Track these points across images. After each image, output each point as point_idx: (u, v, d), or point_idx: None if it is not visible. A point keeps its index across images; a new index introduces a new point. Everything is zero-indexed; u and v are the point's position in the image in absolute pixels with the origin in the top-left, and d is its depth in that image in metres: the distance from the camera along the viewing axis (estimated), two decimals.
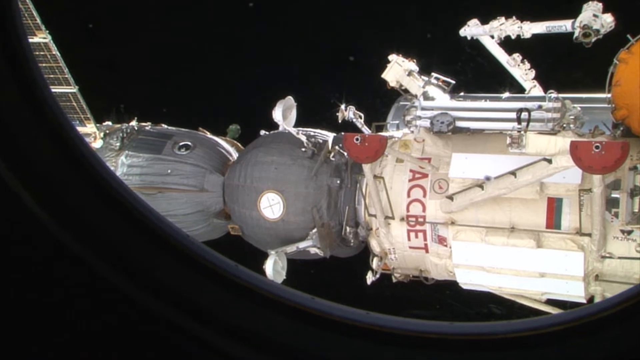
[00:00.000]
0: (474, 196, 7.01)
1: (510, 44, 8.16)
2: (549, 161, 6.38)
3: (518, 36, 7.95)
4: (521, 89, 8.22)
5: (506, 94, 8.01)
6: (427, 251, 7.70)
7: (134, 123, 10.14)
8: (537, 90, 8.13)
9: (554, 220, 6.85)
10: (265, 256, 8.15)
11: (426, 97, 7.99)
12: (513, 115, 6.94)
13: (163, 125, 10.42)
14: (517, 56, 8.24)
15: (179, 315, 1.48)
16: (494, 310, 8.31)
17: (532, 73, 8.22)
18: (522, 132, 6.53)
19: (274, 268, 7.89)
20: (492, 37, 8.16)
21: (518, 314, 7.63)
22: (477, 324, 1.48)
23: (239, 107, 13.52)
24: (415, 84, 8.05)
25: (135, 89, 14.09)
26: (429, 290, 8.25)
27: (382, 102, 9.48)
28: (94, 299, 1.47)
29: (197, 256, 1.63)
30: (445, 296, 8.34)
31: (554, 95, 7.01)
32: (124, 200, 1.60)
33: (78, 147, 1.57)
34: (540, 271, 6.96)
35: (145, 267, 1.56)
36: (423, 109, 7.70)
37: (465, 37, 8.36)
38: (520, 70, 8.23)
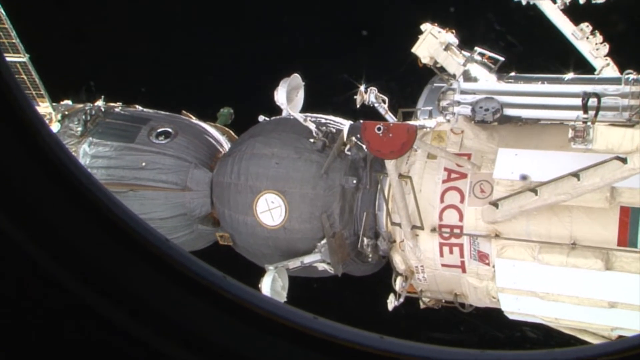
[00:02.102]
0: (525, 203, 6.98)
1: (577, 11, 8.09)
2: (624, 160, 6.32)
3: (588, 0, 7.88)
4: (590, 69, 8.16)
5: (569, 75, 7.94)
6: (464, 270, 7.70)
7: (100, 103, 10.24)
8: (611, 71, 8.06)
9: (628, 235, 6.79)
10: (262, 272, 8.22)
11: (467, 77, 7.98)
12: (578, 101, 6.89)
13: (137, 106, 10.53)
14: (586, 26, 8.17)
15: (157, 338, 1.55)
16: (529, 334, 8.29)
17: (605, 48, 8.14)
18: (589, 123, 6.49)
19: (272, 287, 7.95)
20: (555, 1, 8.11)
21: (557, 340, 7.61)
22: (513, 354, 1.51)
23: (233, 87, 13.63)
24: (453, 61, 8.04)
25: (107, 63, 14.30)
26: (450, 308, 8.25)
27: (411, 83, 9.48)
28: (46, 311, 1.53)
29: (178, 265, 1.68)
30: (470, 316, 8.36)
31: (632, 76, 6.95)
32: (90, 194, 1.66)
33: (35, 128, 1.63)
34: (610, 300, 6.92)
35: (115, 277, 1.63)
36: (463, 92, 7.70)
37: (519, 2, 8.31)
38: (589, 44, 8.16)
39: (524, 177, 6.86)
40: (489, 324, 8.46)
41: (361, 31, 12.73)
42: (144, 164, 9.27)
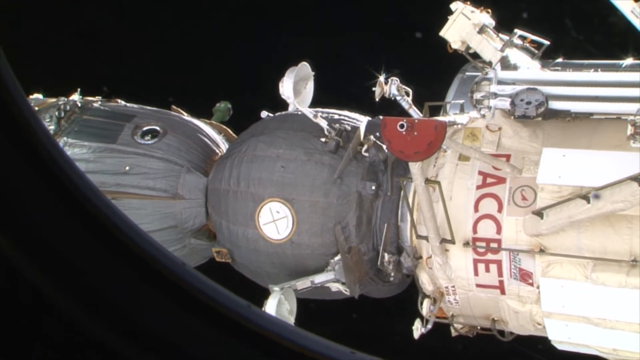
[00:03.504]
0: (575, 212, 6.91)
1: None
2: None
3: None
4: None
5: (628, 61, 7.91)
6: (503, 292, 7.64)
7: (76, 97, 10.31)
8: None
9: None
10: (265, 293, 8.19)
11: (506, 64, 7.95)
12: (638, 92, 6.87)
13: (119, 101, 10.60)
14: None
15: None
16: None
17: None
18: None
19: (278, 311, 7.93)
20: None
21: None
22: None
23: (232, 78, 13.67)
24: (489, 46, 7.99)
25: (81, 53, 14.43)
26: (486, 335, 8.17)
27: (438, 73, 9.44)
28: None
29: (196, 292, 1.72)
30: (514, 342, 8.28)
31: None
32: (87, 201, 1.71)
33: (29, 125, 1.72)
34: None
35: (123, 305, 1.68)
36: (500, 82, 7.67)
37: None
38: None
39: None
40: (538, 351, 8.39)
41: (415, 33, 12.11)
42: (127, 168, 9.33)
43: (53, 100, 10.38)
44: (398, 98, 8.45)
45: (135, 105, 10.43)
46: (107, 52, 14.62)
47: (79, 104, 10.13)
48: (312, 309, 9.08)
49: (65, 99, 10.23)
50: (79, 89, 10.45)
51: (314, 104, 9.36)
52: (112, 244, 1.79)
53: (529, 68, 8.00)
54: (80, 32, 14.70)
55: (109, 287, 1.73)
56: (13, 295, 1.66)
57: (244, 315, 1.73)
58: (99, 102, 10.38)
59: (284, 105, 9.13)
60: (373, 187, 8.25)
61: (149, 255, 1.80)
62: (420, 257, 8.11)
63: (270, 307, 7.92)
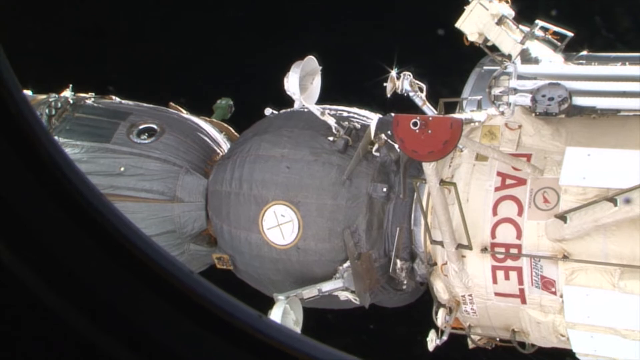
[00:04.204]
0: (601, 215, 6.89)
1: None
2: None
3: None
4: None
5: None
6: (523, 301, 7.64)
7: (67, 93, 10.35)
8: None
9: None
10: (269, 302, 8.21)
11: (526, 58, 7.95)
12: None
13: (113, 97, 10.64)
14: None
15: None
16: None
17: None
18: None
19: (283, 322, 7.93)
20: None
21: None
22: None
23: (233, 72, 13.70)
24: (509, 39, 8.01)
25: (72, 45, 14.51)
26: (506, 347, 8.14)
27: (453, 67, 9.45)
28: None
29: (204, 301, 1.74)
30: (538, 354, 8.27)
31: None
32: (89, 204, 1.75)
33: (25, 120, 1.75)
34: None
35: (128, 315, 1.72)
36: (521, 77, 7.66)
37: None
38: None
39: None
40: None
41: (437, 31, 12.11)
42: (122, 168, 9.36)
43: (43, 96, 10.36)
44: (411, 94, 8.47)
45: (130, 102, 10.45)
46: (107, 49, 14.72)
47: (71, 101, 10.13)
48: (329, 319, 9.11)
49: (56, 96, 10.23)
50: (70, 85, 10.48)
51: (321, 100, 9.37)
52: (114, 250, 1.81)
53: (551, 61, 7.99)
54: (81, 29, 14.81)
55: (113, 297, 1.74)
56: (9, 303, 1.69)
57: (255, 327, 1.73)
58: (92, 99, 10.38)
59: (289, 102, 9.15)
60: (384, 189, 8.26)
61: (155, 264, 1.82)
62: (435, 264, 8.12)
63: (275, 317, 7.92)
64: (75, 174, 1.90)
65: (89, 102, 10.27)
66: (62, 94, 10.33)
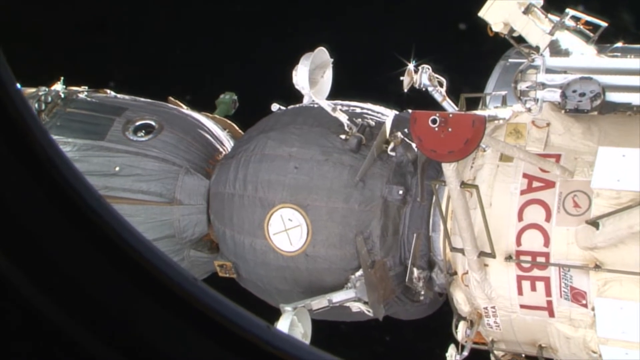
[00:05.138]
0: (636, 222, 6.88)
1: None
2: None
3: None
4: None
5: None
6: (551, 314, 7.64)
7: (59, 87, 10.41)
8: None
9: None
10: (276, 313, 8.26)
11: (555, 50, 7.93)
12: None
13: (108, 92, 10.70)
14: None
15: None
16: None
17: None
18: None
19: (290, 334, 7.98)
20: None
21: None
22: None
23: (238, 65, 13.76)
24: (536, 29, 7.98)
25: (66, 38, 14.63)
26: None
27: (476, 60, 9.46)
28: None
29: (210, 311, 1.78)
30: None
31: None
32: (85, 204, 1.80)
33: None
34: None
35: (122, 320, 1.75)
36: (549, 70, 7.67)
37: None
38: None
39: None
40: None
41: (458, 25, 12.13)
42: (117, 168, 9.42)
43: (32, 90, 10.34)
44: (430, 89, 8.48)
45: (126, 97, 10.47)
46: (107, 45, 14.86)
47: (62, 95, 10.16)
48: (342, 329, 9.14)
49: (46, 89, 10.24)
50: (62, 78, 10.50)
51: (333, 95, 9.40)
52: (116, 257, 1.85)
53: (582, 54, 7.98)
54: (81, 22, 14.98)
55: (113, 305, 1.78)
56: (6, 312, 1.73)
57: (263, 338, 1.75)
58: (85, 93, 10.39)
59: (298, 96, 9.19)
60: (400, 192, 8.28)
61: (157, 270, 1.85)
62: (455, 273, 8.13)
63: (282, 327, 7.96)
64: (74, 174, 1.93)
65: (81, 96, 10.28)
66: (53, 87, 10.32)
